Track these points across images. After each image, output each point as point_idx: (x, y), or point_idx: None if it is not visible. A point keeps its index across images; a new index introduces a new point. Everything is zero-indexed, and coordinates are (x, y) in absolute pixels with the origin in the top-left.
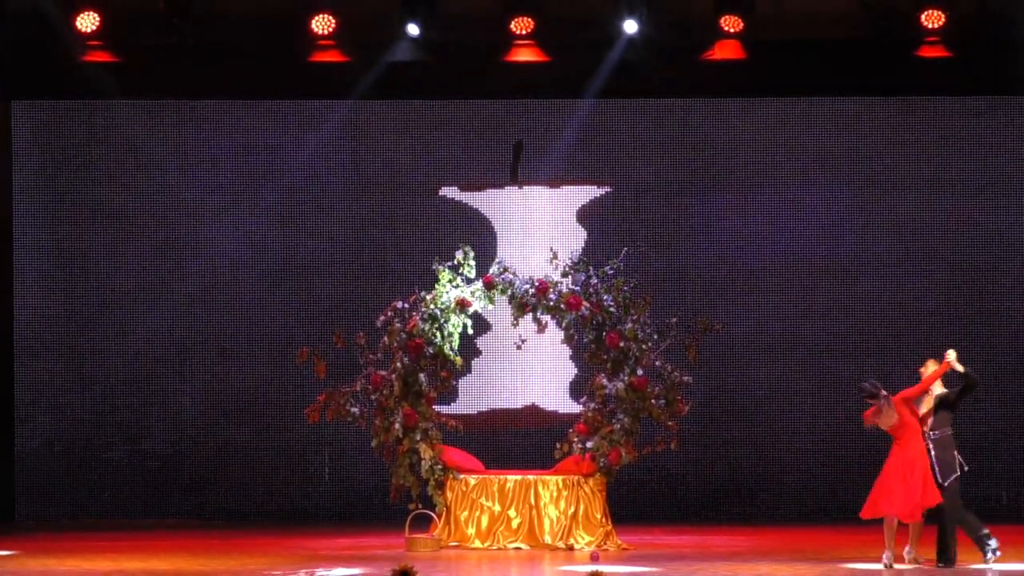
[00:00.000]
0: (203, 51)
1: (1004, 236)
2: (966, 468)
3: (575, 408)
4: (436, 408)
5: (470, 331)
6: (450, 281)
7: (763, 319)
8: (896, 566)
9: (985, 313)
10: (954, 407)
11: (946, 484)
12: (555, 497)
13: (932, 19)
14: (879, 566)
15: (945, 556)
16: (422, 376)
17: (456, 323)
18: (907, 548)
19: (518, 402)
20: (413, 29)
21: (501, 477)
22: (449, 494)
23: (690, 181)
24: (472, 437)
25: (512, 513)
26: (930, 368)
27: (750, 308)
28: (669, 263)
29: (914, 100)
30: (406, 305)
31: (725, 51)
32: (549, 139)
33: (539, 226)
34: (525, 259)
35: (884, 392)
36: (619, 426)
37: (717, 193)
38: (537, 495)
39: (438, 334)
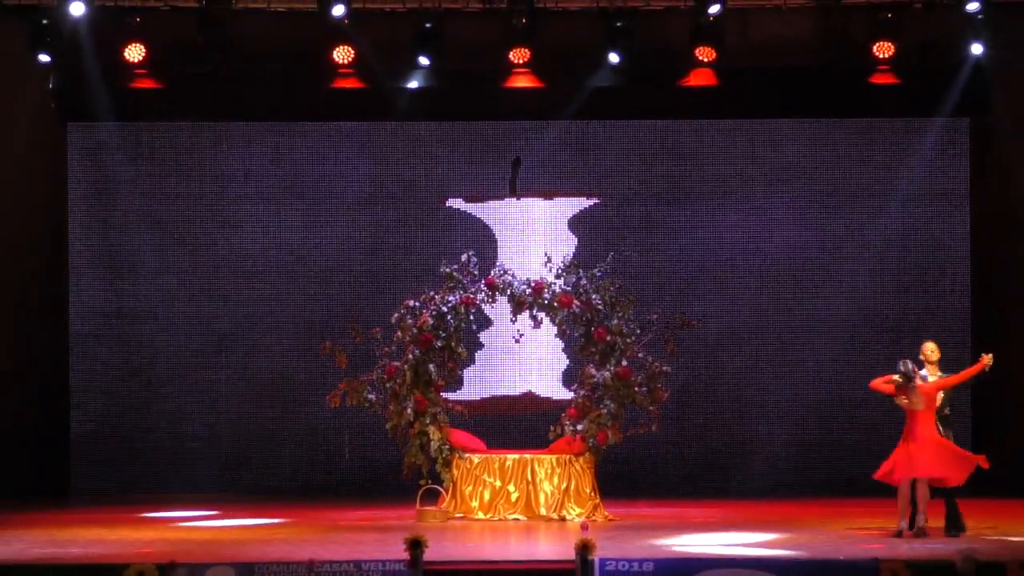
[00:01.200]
0: (236, 78)
1: (946, 241)
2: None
3: (567, 395)
4: (444, 395)
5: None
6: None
7: (733, 315)
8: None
9: (930, 309)
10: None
11: None
12: (549, 474)
13: (883, 50)
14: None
15: (956, 525)
16: (431, 367)
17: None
18: (920, 516)
19: (516, 389)
20: (424, 59)
21: (501, 456)
22: (455, 471)
23: (669, 193)
24: (476, 420)
25: (511, 488)
26: (929, 349)
27: (722, 306)
28: (650, 266)
29: (867, 121)
30: (417, 303)
31: (699, 78)
32: (544, 156)
33: (535, 233)
34: (522, 262)
35: (918, 379)
36: (606, 411)
37: (693, 204)
38: (533, 472)
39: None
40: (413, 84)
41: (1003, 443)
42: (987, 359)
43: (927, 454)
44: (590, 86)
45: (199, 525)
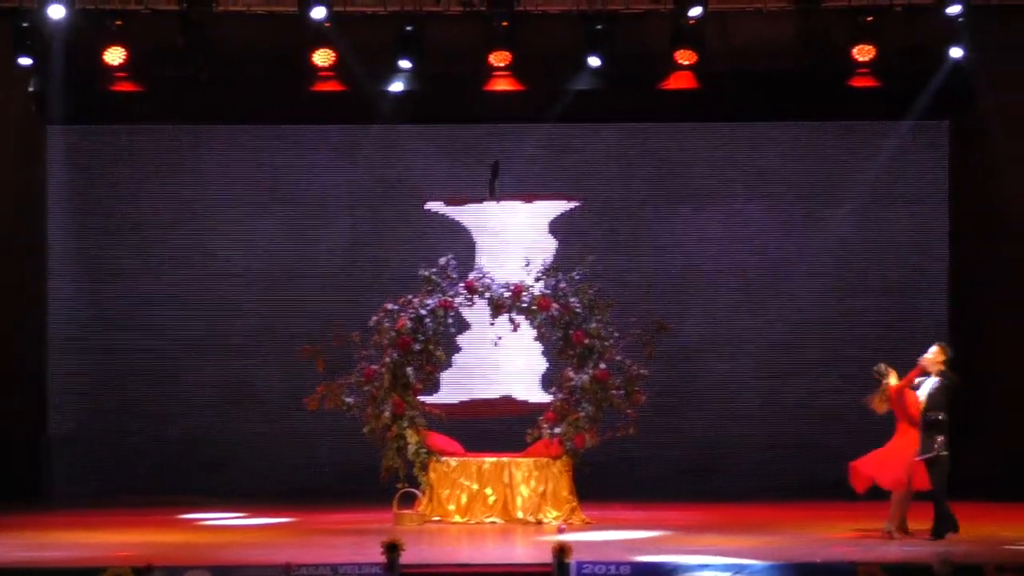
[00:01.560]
0: (217, 81)
1: (925, 245)
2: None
3: (545, 398)
4: (421, 398)
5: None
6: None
7: (711, 319)
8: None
9: (907, 312)
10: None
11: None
12: (527, 477)
13: (863, 53)
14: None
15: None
16: (409, 370)
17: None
18: (886, 522)
19: (494, 393)
20: (404, 62)
21: (479, 459)
22: (432, 474)
23: (650, 196)
24: (453, 424)
25: (488, 491)
26: (932, 352)
27: (700, 309)
28: (629, 269)
29: (847, 124)
30: (395, 307)
31: (680, 81)
32: (524, 159)
33: (514, 236)
34: (502, 266)
35: (885, 381)
36: (584, 414)
37: (673, 207)
38: (511, 475)
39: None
40: (394, 87)
41: (982, 446)
42: (924, 361)
43: (884, 463)
44: (571, 89)
45: (177, 528)
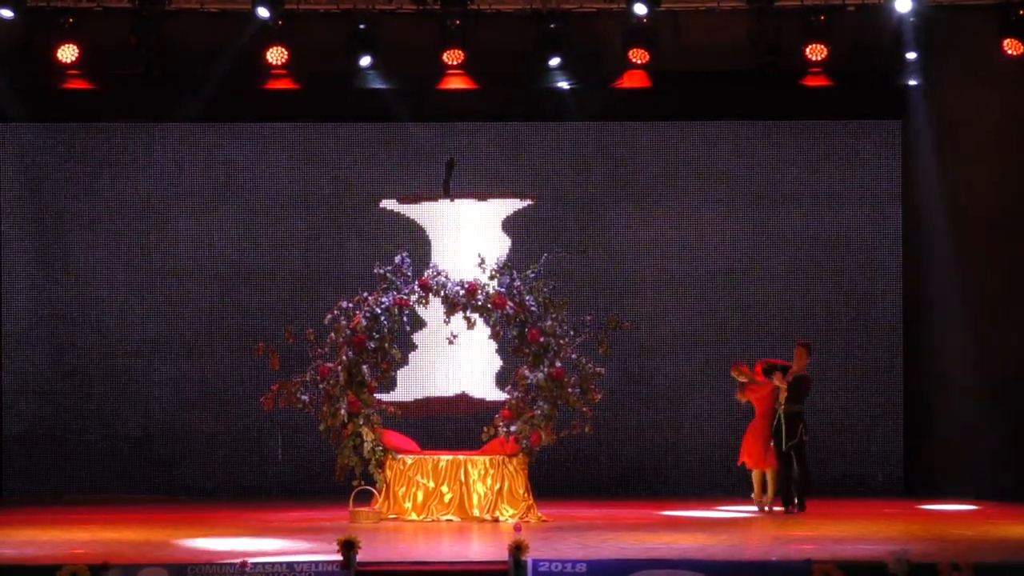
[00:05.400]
0: (169, 79)
1: (877, 244)
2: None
3: (501, 396)
4: (377, 396)
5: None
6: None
7: (666, 317)
8: None
9: (861, 313)
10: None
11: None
12: (482, 475)
13: (815, 52)
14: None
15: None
16: (365, 368)
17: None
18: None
19: (450, 391)
20: (357, 61)
21: (435, 457)
22: (388, 472)
23: (603, 195)
24: (409, 422)
25: (444, 489)
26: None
27: (655, 308)
28: (584, 268)
29: (799, 124)
30: (350, 305)
31: (633, 80)
32: (477, 157)
33: (469, 234)
34: (456, 264)
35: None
36: (539, 412)
37: (627, 206)
38: (467, 473)
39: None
40: (347, 85)
41: (934, 446)
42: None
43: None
44: (524, 88)
45: (130, 526)
